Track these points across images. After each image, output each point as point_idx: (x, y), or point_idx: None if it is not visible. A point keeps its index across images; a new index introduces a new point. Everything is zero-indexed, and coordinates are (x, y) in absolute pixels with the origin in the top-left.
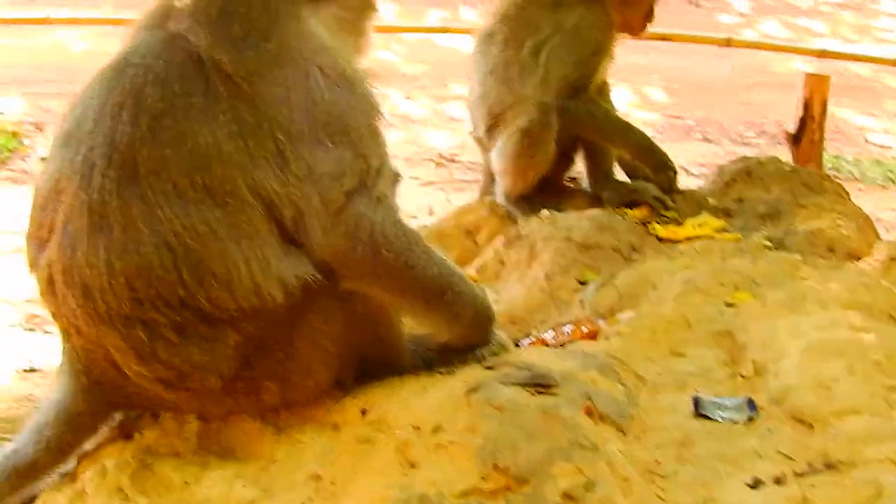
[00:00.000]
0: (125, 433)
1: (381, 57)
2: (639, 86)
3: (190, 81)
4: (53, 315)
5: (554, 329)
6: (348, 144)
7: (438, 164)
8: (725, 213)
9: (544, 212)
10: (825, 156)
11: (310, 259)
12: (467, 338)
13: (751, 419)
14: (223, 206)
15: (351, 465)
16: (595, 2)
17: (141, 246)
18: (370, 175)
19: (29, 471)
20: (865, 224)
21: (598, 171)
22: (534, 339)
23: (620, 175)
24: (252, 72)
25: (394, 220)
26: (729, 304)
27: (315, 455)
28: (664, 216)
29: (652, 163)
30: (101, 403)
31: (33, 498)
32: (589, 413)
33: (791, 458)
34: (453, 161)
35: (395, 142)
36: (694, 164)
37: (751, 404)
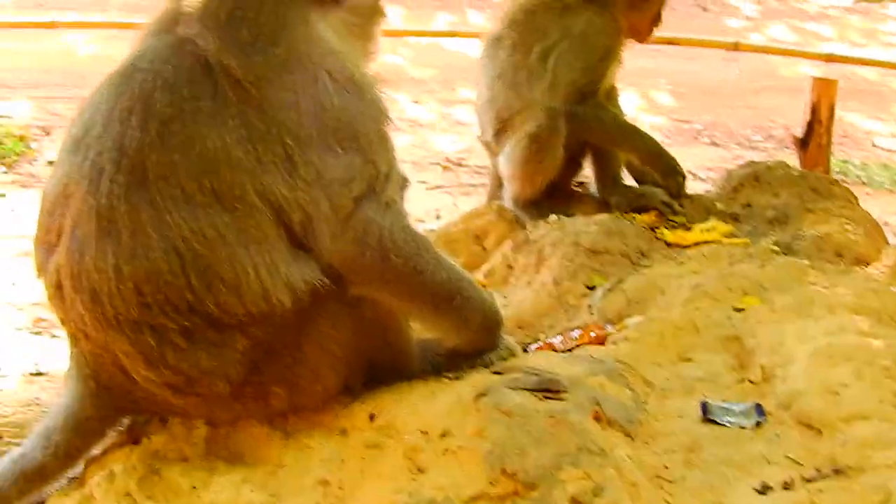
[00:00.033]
0: (133, 438)
1: (389, 61)
2: (646, 90)
3: (198, 86)
4: (61, 320)
5: (562, 334)
6: (357, 150)
7: (446, 168)
8: (733, 218)
9: (552, 217)
10: (833, 160)
11: (318, 264)
12: (476, 343)
13: (759, 424)
14: (232, 210)
15: (359, 470)
16: (603, 7)
17: (149, 251)
18: (379, 180)
19: (37, 475)
20: (873, 229)
21: (607, 175)
22: (542, 344)
23: (628, 180)
24: (261, 76)
25: (402, 225)
26: (737, 309)
27: (323, 460)
28: (672, 221)
29: (660, 168)
30: (109, 408)
31: (41, 502)
32: (597, 418)
33: (799, 464)
34: (461, 165)
35: (403, 146)
36: (701, 169)
37: (759, 409)
